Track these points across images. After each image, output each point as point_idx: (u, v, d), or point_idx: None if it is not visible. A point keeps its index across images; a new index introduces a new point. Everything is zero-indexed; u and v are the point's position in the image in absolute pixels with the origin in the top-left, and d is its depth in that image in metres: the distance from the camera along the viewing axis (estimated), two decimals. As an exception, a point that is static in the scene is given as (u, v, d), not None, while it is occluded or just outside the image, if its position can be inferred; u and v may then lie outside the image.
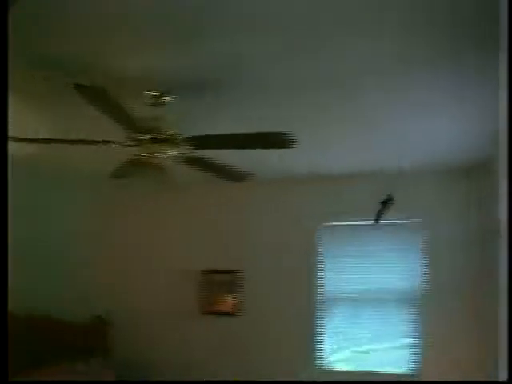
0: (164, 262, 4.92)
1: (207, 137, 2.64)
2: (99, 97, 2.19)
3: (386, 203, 4.28)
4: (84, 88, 2.14)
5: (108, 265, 5.04)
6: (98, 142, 2.73)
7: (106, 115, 2.36)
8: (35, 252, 4.53)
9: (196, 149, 2.73)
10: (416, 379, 4.20)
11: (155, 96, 2.69)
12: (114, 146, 2.71)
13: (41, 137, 2.91)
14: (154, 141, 2.64)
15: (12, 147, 3.32)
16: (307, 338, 4.49)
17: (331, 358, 4.51)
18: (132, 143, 2.67)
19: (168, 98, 2.71)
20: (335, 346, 4.54)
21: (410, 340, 4.29)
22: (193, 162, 2.92)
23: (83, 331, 4.62)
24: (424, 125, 3.19)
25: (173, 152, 2.75)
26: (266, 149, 2.87)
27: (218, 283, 4.73)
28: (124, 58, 2.37)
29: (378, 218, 4.31)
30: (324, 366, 4.48)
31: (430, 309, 4.13)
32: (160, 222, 4.99)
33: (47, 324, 4.38)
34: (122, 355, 4.78)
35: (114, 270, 5.05)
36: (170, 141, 2.67)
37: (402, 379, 4.24)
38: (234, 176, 3.25)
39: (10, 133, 3.10)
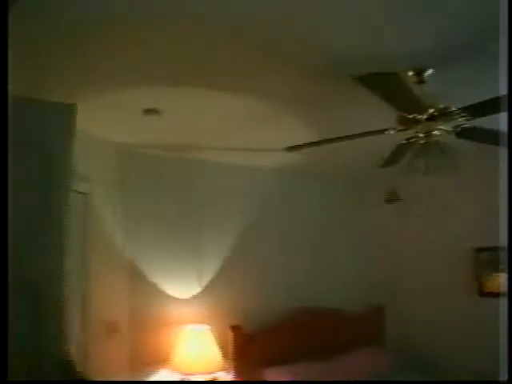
0: (438, 241, 4.75)
1: (480, 104, 2.46)
2: (386, 83, 2.18)
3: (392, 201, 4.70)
4: (373, 77, 2.13)
5: (383, 252, 5.14)
6: (373, 132, 2.74)
7: (390, 102, 2.34)
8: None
9: (470, 119, 2.58)
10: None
11: (415, 74, 2.62)
12: (388, 133, 2.71)
13: (310, 141, 3.02)
14: (429, 118, 2.56)
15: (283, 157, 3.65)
16: None
17: None
18: (406, 126, 2.64)
19: (427, 73, 2.60)
20: None
21: None
22: (467, 133, 2.76)
23: (360, 321, 4.71)
24: None
25: (447, 127, 2.66)
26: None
27: (494, 261, 4.33)
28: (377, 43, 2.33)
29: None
30: None
31: None
32: (434, 202, 4.82)
33: (327, 315, 4.51)
34: (397, 340, 4.80)
35: (389, 256, 5.12)
36: (444, 115, 2.55)
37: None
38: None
39: (279, 145, 3.38)
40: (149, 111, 3.05)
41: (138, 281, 3.72)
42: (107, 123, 3.26)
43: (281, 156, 3.73)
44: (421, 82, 2.61)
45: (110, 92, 2.72)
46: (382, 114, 2.53)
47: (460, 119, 2.57)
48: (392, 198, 4.62)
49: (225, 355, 3.73)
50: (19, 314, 1.74)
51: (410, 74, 2.59)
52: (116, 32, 1.96)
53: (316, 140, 3.01)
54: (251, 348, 3.89)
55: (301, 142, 3.04)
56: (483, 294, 4.40)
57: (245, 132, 3.57)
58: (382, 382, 3.99)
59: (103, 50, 2.12)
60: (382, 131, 2.71)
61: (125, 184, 3.74)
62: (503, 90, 2.23)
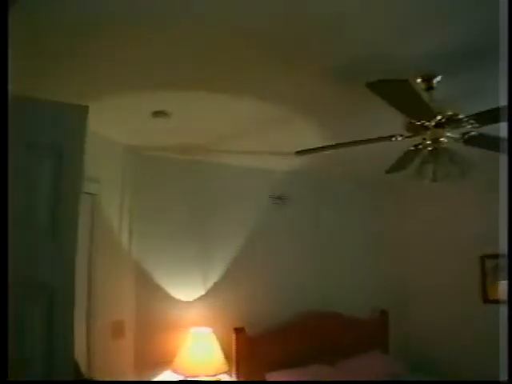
0: (446, 246, 4.66)
1: (489, 112, 2.34)
2: (396, 90, 2.07)
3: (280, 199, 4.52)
4: (382, 83, 2.02)
5: (391, 256, 5.08)
6: (381, 138, 2.63)
7: (399, 108, 2.23)
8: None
9: (478, 126, 2.47)
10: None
11: (424, 81, 2.50)
12: (395, 139, 2.61)
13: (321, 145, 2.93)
14: (438, 125, 2.44)
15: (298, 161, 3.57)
16: None
17: None
18: (414, 133, 2.53)
19: (436, 79, 2.48)
20: None
21: None
22: (475, 140, 2.63)
23: (366, 325, 4.61)
24: None
25: (454, 134, 2.55)
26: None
27: (500, 269, 4.20)
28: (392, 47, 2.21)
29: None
30: None
31: None
32: (441, 209, 4.75)
33: (334, 319, 4.41)
34: (403, 344, 4.71)
35: (397, 261, 5.06)
36: (453, 122, 2.44)
37: None
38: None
39: (289, 148, 3.30)
40: (158, 113, 2.98)
41: (144, 282, 3.65)
42: (116, 125, 3.19)
43: (290, 159, 3.63)
44: (430, 88, 2.52)
45: (117, 94, 2.64)
46: (391, 120, 2.44)
47: (468, 126, 2.47)
48: (277, 200, 4.53)
49: (228, 358, 3.64)
50: (32, 315, 1.72)
51: (419, 80, 2.50)
52: (116, 32, 1.89)
53: (325, 145, 2.92)
54: (255, 351, 3.80)
55: (310, 147, 2.96)
56: (487, 300, 4.26)
57: (255, 135, 3.49)
58: (385, 382, 3.91)
59: (103, 50, 2.04)
60: (389, 137, 2.60)
61: (133, 185, 3.68)
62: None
